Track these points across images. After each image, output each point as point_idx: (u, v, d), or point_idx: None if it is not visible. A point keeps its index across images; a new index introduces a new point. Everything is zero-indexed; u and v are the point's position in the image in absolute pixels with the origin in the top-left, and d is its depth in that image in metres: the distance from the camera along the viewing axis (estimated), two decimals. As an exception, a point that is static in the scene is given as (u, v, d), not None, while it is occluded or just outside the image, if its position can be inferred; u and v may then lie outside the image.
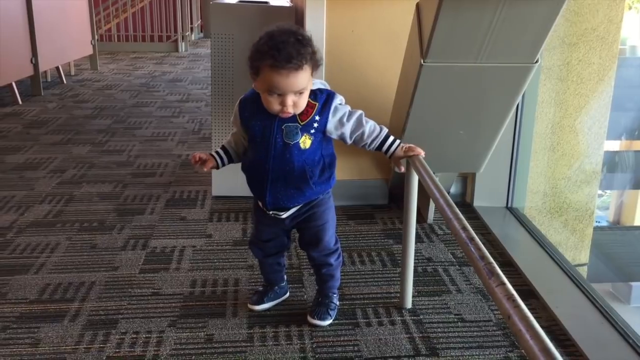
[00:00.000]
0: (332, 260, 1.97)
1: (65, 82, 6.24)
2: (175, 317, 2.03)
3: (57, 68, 6.14)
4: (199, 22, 10.76)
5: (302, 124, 1.73)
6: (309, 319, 2.01)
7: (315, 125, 1.74)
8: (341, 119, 1.78)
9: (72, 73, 6.76)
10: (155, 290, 2.20)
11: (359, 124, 1.81)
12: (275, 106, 1.67)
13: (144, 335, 1.93)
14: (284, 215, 1.87)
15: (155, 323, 1.99)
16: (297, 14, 3.01)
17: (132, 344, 1.88)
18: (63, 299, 2.13)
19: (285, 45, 1.59)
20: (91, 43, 6.91)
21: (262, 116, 1.74)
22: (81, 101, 5.44)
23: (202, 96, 5.73)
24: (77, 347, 1.86)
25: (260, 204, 1.90)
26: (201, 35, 10.81)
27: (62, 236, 2.63)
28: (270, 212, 1.88)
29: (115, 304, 2.11)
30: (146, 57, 8.33)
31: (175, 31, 9.12)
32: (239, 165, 1.94)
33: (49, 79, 6.30)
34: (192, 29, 10.10)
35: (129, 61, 7.91)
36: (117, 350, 1.85)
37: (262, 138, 1.75)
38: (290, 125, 1.72)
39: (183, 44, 9.04)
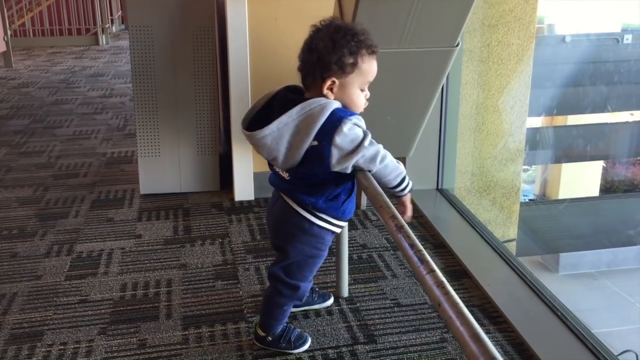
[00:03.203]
0: None
1: (-24, 81, 5.90)
2: (106, 324, 1.96)
3: (-33, 67, 5.80)
4: (120, 13, 10.39)
5: None
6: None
7: None
8: None
9: (-16, 71, 6.40)
10: (83, 297, 2.11)
11: None
12: (362, 100, 1.59)
13: (72, 346, 1.84)
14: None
15: (83, 332, 1.91)
16: (217, 3, 2.94)
17: (60, 356, 1.79)
18: (-18, 313, 2.02)
19: (365, 32, 1.53)
20: (4, 39, 6.56)
21: None
22: (-5, 101, 5.15)
23: (126, 90, 5.54)
24: (-1, 364, 1.76)
25: (341, 224, 1.73)
26: (123, 27, 10.44)
27: (-21, 247, 2.49)
28: (344, 225, 1.76)
29: (40, 314, 2.00)
30: (65, 51, 7.97)
31: (95, 23, 8.77)
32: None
33: (-42, 79, 5.94)
34: (112, 20, 9.73)
35: (46, 57, 7.55)
36: (44, 364, 1.77)
37: None
38: None
39: (104, 36, 8.71)
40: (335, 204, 1.65)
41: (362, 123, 1.54)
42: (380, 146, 1.55)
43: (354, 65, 1.51)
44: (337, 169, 1.53)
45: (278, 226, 1.73)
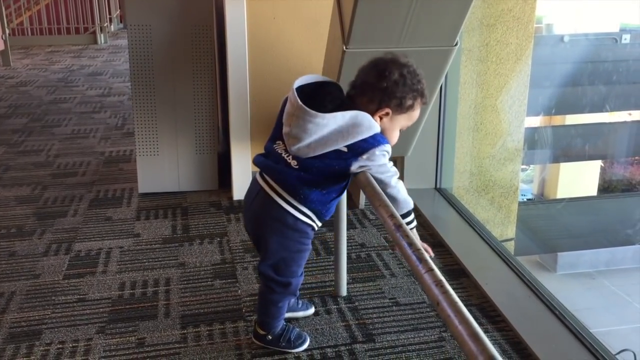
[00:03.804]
0: None
1: (-25, 80, 5.89)
2: (104, 322, 1.95)
3: (-35, 65, 5.79)
4: (118, 12, 10.38)
5: None
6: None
7: None
8: None
9: (-17, 70, 6.39)
10: (81, 296, 2.11)
11: None
12: (397, 138, 1.67)
13: (70, 345, 1.84)
14: None
15: (82, 331, 1.91)
16: (216, 2, 2.94)
17: (58, 355, 1.79)
18: (-20, 312, 2.01)
19: (424, 79, 1.62)
20: (2, 38, 6.55)
21: None
22: (-7, 100, 5.14)
23: (124, 89, 5.53)
24: (-3, 363, 1.76)
25: (319, 223, 1.73)
26: (121, 25, 10.43)
27: (-23, 245, 2.49)
28: (320, 224, 1.76)
29: (38, 313, 2.00)
30: (63, 50, 7.97)
31: (93, 22, 8.76)
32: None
33: (-44, 78, 5.93)
34: (110, 19, 9.72)
35: (44, 55, 7.54)
36: (42, 362, 1.76)
37: None
38: None
39: (102, 35, 8.70)
40: (325, 199, 1.66)
41: (390, 152, 1.62)
42: (397, 173, 1.63)
43: (410, 107, 1.61)
44: (354, 172, 1.59)
45: (260, 220, 1.69)
